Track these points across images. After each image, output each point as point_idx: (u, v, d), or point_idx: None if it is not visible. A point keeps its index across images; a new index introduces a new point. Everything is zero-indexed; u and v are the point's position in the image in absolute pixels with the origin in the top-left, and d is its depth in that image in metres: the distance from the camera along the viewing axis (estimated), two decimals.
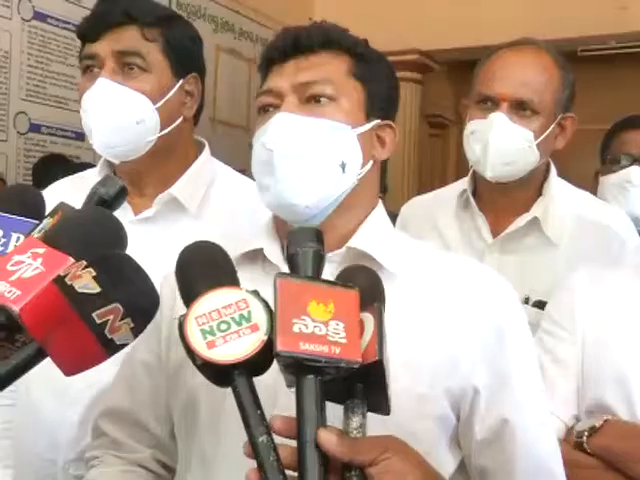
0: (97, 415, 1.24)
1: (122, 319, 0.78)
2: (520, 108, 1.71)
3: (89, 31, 1.51)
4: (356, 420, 0.81)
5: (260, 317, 0.81)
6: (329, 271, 0.91)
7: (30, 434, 1.47)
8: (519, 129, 1.70)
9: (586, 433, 1.33)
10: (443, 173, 7.49)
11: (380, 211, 1.17)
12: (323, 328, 0.79)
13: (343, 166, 1.10)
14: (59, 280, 0.77)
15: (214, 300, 0.82)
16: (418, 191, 5.28)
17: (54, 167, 3.84)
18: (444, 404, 1.05)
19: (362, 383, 0.82)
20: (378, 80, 1.17)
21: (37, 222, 0.95)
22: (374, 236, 1.12)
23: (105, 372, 1.03)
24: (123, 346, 0.80)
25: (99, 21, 1.50)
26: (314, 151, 1.09)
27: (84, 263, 0.79)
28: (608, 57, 6.28)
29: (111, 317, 0.77)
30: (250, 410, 0.79)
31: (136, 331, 0.80)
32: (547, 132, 1.73)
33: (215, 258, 0.90)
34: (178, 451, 1.15)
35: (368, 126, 1.14)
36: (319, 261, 0.86)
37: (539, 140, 1.72)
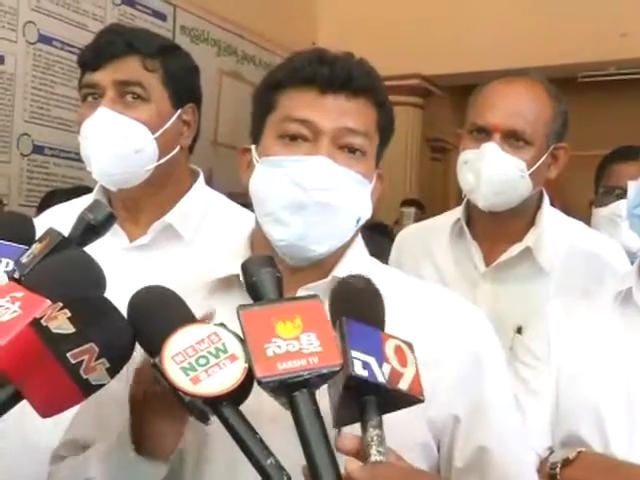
0: (59, 445, 1.16)
1: (97, 359, 0.79)
2: (513, 138, 1.72)
3: (91, 60, 1.53)
4: (375, 433, 0.83)
5: (235, 347, 0.83)
6: None
7: (18, 461, 1.47)
8: (511, 159, 1.72)
9: (559, 464, 1.33)
10: (444, 197, 7.50)
11: (359, 240, 1.18)
12: (296, 344, 0.81)
13: (358, 220, 1.11)
14: (35, 322, 0.79)
15: (185, 337, 0.83)
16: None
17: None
18: (426, 434, 1.06)
19: (376, 396, 0.84)
20: (390, 129, 1.15)
21: (26, 247, 0.98)
22: (356, 265, 1.12)
23: None
24: (99, 387, 0.82)
25: (101, 51, 1.52)
26: (345, 205, 1.08)
27: (60, 305, 0.80)
28: (608, 83, 6.32)
29: (86, 357, 0.79)
30: (248, 437, 0.80)
31: (112, 372, 0.82)
32: (540, 162, 1.74)
33: (167, 298, 0.89)
34: None
35: (374, 179, 1.13)
36: (279, 283, 0.89)
37: (532, 170, 1.73)
